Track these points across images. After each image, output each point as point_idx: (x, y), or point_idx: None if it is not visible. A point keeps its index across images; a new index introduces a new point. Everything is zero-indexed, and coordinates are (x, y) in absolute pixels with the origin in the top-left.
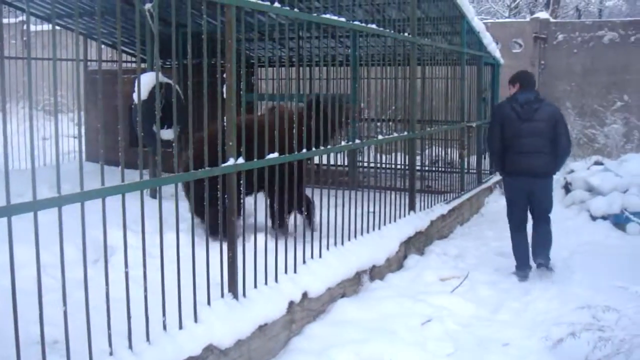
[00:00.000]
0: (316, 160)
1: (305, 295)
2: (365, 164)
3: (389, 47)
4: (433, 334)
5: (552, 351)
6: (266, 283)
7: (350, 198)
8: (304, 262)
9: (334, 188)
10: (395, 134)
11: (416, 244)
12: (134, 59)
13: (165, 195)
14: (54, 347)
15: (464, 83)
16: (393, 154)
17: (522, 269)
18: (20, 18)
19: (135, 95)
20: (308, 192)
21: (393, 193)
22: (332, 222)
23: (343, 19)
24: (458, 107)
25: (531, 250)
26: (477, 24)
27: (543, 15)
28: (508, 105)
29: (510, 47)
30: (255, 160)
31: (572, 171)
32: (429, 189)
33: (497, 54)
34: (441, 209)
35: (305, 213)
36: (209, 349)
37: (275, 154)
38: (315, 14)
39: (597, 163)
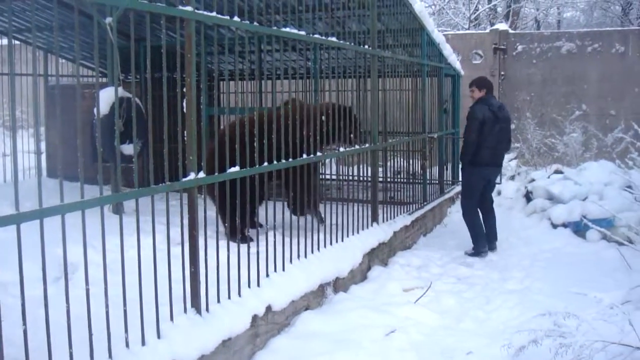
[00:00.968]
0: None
1: (269, 308)
2: (328, 176)
3: (350, 59)
4: (397, 344)
5: (515, 359)
6: (229, 297)
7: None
8: (267, 275)
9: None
10: (357, 146)
11: (380, 255)
12: (94, 74)
13: (128, 210)
14: None
15: (424, 94)
16: (355, 166)
17: (484, 246)
18: None
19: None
20: (270, 205)
21: (356, 205)
22: (295, 234)
23: (303, 32)
24: (419, 119)
25: (486, 233)
26: (437, 35)
27: (502, 26)
28: (486, 107)
29: (471, 58)
30: (216, 174)
31: (532, 180)
32: (391, 200)
33: (457, 65)
34: (404, 220)
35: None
36: None
37: (237, 168)
38: (275, 27)
39: (557, 172)
